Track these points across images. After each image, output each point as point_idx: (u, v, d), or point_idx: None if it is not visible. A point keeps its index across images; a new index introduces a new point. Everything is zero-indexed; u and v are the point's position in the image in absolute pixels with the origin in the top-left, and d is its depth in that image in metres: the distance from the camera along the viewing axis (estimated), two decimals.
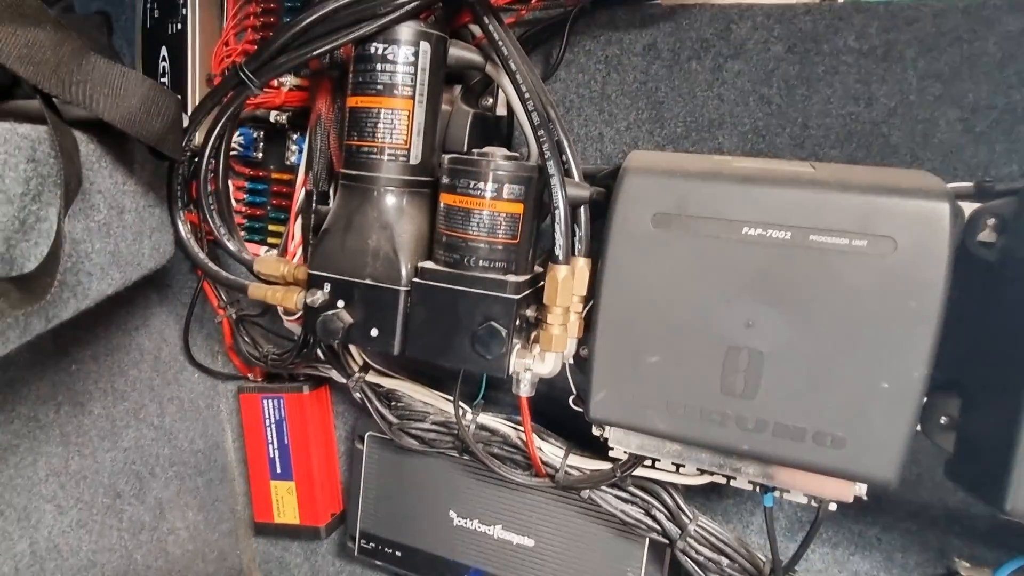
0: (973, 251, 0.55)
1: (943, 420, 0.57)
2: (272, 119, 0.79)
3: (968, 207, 0.55)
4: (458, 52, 0.60)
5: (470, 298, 0.55)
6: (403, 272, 0.57)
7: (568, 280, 0.54)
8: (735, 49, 0.63)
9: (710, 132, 0.65)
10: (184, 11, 0.82)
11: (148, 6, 0.83)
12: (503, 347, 0.54)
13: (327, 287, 0.60)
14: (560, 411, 0.65)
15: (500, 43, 0.57)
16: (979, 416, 0.54)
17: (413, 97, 0.58)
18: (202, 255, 0.70)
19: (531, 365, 0.56)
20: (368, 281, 0.58)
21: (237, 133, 0.83)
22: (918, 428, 0.57)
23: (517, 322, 0.55)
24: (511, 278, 0.54)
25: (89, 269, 0.53)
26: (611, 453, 0.63)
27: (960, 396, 0.56)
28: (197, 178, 0.66)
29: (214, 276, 0.69)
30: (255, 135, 0.84)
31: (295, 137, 0.82)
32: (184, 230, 0.70)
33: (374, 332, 0.58)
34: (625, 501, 0.70)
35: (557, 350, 0.55)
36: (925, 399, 0.57)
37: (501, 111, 0.70)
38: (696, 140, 0.66)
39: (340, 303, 0.59)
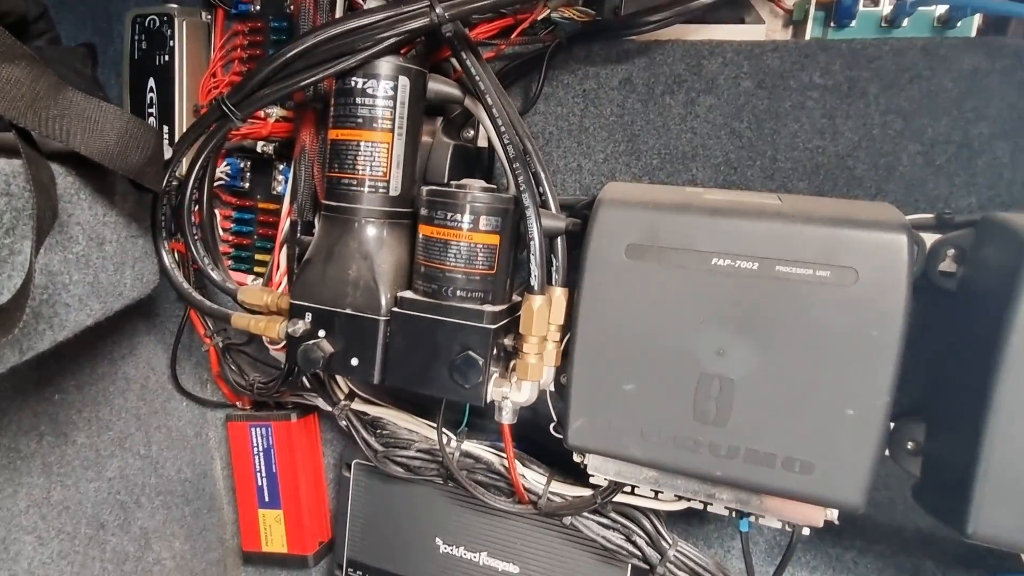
0: (935, 281, 0.57)
1: (910, 445, 0.58)
2: (259, 149, 0.81)
3: (929, 238, 0.57)
4: (437, 86, 0.62)
5: (448, 328, 0.56)
6: (383, 302, 0.58)
7: (543, 310, 0.55)
8: (707, 84, 0.65)
9: (684, 164, 0.67)
10: (171, 43, 0.83)
11: (136, 38, 0.85)
12: (480, 376, 0.55)
13: (308, 317, 0.61)
14: (543, 437, 0.66)
15: (477, 78, 0.59)
16: (942, 441, 0.55)
17: (392, 130, 0.59)
18: (185, 285, 0.71)
19: (508, 393, 0.57)
20: (348, 311, 0.59)
21: (224, 163, 0.84)
22: (886, 453, 0.59)
23: (495, 351, 0.56)
24: (488, 308, 0.56)
25: (67, 300, 0.53)
26: (592, 480, 0.64)
27: (925, 422, 0.57)
28: (181, 208, 0.67)
29: (198, 306, 0.70)
30: (242, 165, 0.86)
31: (281, 167, 0.83)
32: (168, 260, 0.71)
33: (354, 361, 0.59)
34: (606, 527, 0.71)
35: (533, 379, 0.56)
36: (892, 424, 0.59)
37: (482, 143, 0.72)
38: (671, 172, 0.67)
39: (321, 332, 0.60)
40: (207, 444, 1.01)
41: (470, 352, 0.55)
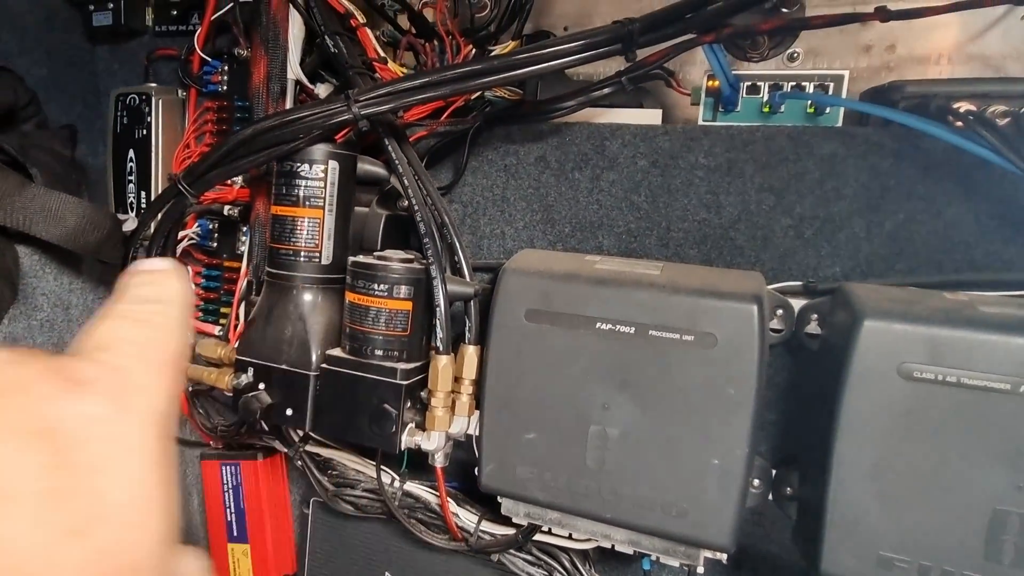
0: (803, 342, 0.64)
1: (788, 491, 0.64)
2: (226, 212, 0.89)
3: (797, 303, 0.64)
4: (365, 167, 0.70)
5: (367, 383, 0.63)
6: (313, 359, 0.66)
7: (447, 368, 0.62)
8: (609, 162, 0.73)
9: (592, 232, 0.75)
10: (149, 118, 0.93)
11: (118, 114, 0.95)
12: (394, 426, 0.62)
13: (250, 371, 0.68)
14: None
15: (396, 162, 0.67)
16: (806, 487, 0.61)
17: (324, 207, 0.67)
18: None
19: (420, 442, 0.64)
20: (284, 366, 0.67)
21: (195, 224, 0.93)
22: (770, 498, 0.65)
23: (409, 403, 0.64)
24: (402, 366, 0.63)
25: None
26: (514, 520, 0.70)
27: (798, 470, 0.64)
28: None
29: None
30: (211, 226, 0.94)
31: (244, 229, 0.92)
32: None
33: (289, 411, 0.67)
34: (532, 564, 0.77)
35: (440, 429, 0.63)
36: (775, 472, 0.65)
37: None
38: (581, 239, 0.75)
39: (261, 385, 0.68)
40: (184, 481, 1.08)
41: (385, 405, 0.62)
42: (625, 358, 0.60)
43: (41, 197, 0.54)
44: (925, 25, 0.75)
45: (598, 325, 0.60)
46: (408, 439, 0.63)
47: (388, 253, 0.66)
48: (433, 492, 0.82)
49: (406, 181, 0.66)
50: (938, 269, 0.63)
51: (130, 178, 0.94)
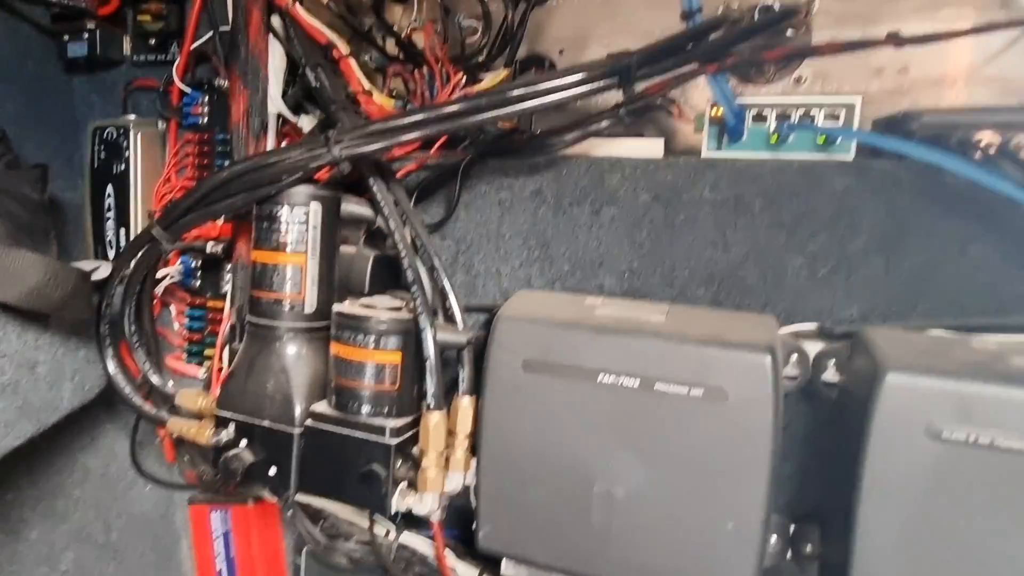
0: (819, 390, 0.59)
1: (808, 548, 0.60)
2: (208, 249, 0.85)
3: (813, 347, 0.60)
4: (350, 207, 0.66)
5: (354, 442, 0.59)
6: (297, 415, 0.62)
7: (440, 426, 0.58)
8: (609, 196, 0.69)
9: (593, 271, 0.71)
10: (127, 152, 0.89)
11: (95, 148, 0.91)
12: (383, 488, 0.58)
13: (231, 427, 0.64)
14: None
15: (382, 203, 0.63)
16: (829, 547, 0.57)
17: (306, 252, 0.63)
18: (127, 389, 0.75)
19: (412, 504, 0.59)
20: (267, 423, 0.63)
21: (178, 262, 0.89)
22: (788, 557, 0.61)
23: (399, 463, 0.59)
24: (391, 423, 0.59)
25: None
26: (503, 572, 0.66)
27: (819, 526, 0.59)
28: (120, 324, 0.71)
29: (137, 410, 0.74)
30: (193, 264, 0.90)
31: (228, 267, 0.88)
32: (112, 366, 0.75)
33: (272, 471, 0.63)
34: None
35: (432, 490, 0.59)
36: (792, 527, 0.61)
37: None
38: (581, 278, 0.71)
39: (243, 442, 0.64)
40: (173, 526, 1.04)
41: (373, 466, 0.58)
42: (629, 413, 0.56)
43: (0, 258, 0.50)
44: (939, 46, 0.71)
45: (600, 378, 0.56)
46: (399, 501, 0.59)
47: (375, 300, 0.62)
48: (431, 543, 0.77)
49: (392, 224, 0.62)
50: (962, 311, 0.59)
51: (108, 215, 0.91)
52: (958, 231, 0.59)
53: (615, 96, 0.69)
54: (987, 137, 0.57)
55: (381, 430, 0.59)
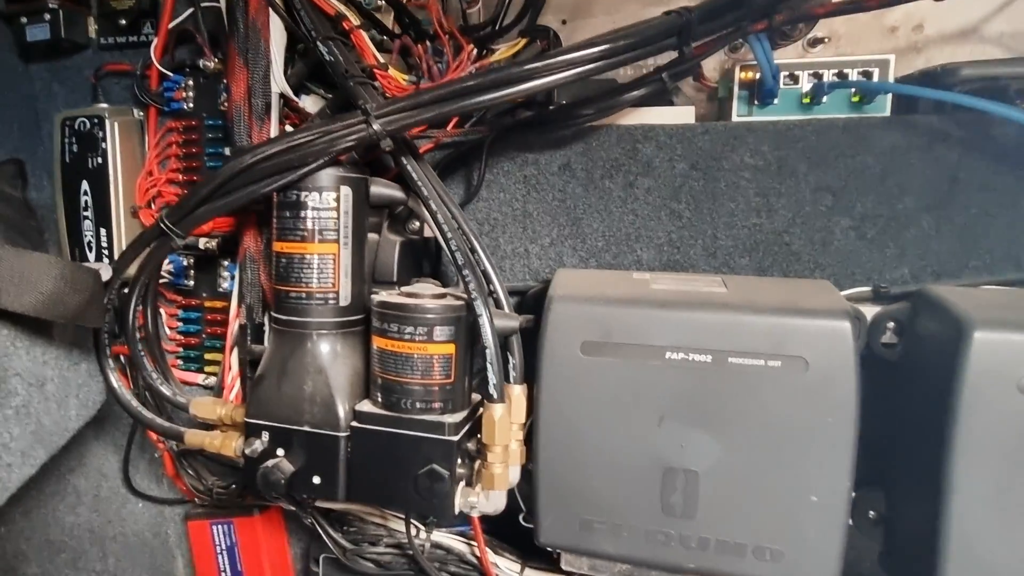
0: (879, 353, 0.58)
1: (871, 514, 0.59)
2: (202, 246, 0.79)
3: (868, 310, 0.59)
4: (380, 190, 0.62)
5: (410, 441, 0.55)
6: (341, 417, 0.57)
7: (505, 418, 0.55)
8: (643, 167, 0.66)
9: (628, 245, 0.68)
10: (104, 144, 0.81)
11: (66, 141, 0.82)
12: (447, 489, 0.54)
13: (265, 436, 0.59)
14: (514, 520, 0.65)
15: (420, 184, 0.59)
16: (902, 512, 0.56)
17: (338, 240, 0.59)
18: (134, 404, 0.68)
19: (477, 504, 0.56)
20: (307, 428, 0.58)
21: (167, 261, 0.82)
22: (850, 522, 0.60)
23: (459, 460, 0.56)
24: (448, 419, 0.55)
25: (8, 460, 0.51)
26: (564, 567, 0.64)
27: (884, 491, 0.59)
28: (125, 330, 0.65)
29: (150, 425, 0.68)
30: (185, 262, 0.83)
31: (226, 263, 0.82)
32: (114, 380, 0.68)
33: (316, 479, 0.58)
34: None
35: (500, 488, 0.55)
36: (854, 494, 0.60)
37: (429, 233, 0.72)
38: (616, 253, 0.68)
39: (280, 451, 0.59)
40: (167, 543, 0.97)
41: (434, 466, 0.54)
42: (702, 390, 0.53)
43: (8, 259, 0.43)
44: (953, 1, 0.71)
45: (668, 355, 0.54)
46: (462, 501, 0.55)
47: (417, 289, 0.58)
48: (464, 541, 0.74)
49: (433, 205, 0.57)
50: (1016, 265, 0.59)
51: (86, 214, 0.83)
52: (1009, 184, 0.59)
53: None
54: None
55: (440, 427, 0.55)
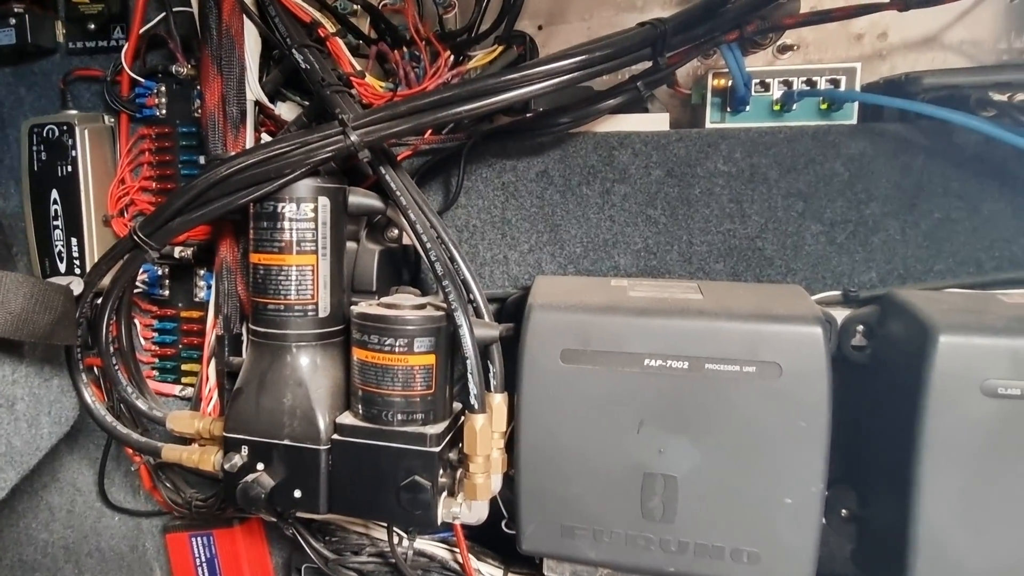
0: (848, 355, 0.60)
1: (844, 513, 0.61)
2: (177, 255, 0.78)
3: (838, 314, 0.61)
4: (358, 200, 0.62)
5: (391, 453, 0.55)
6: (322, 430, 0.57)
7: (486, 428, 0.55)
8: (620, 174, 0.67)
9: (606, 251, 0.69)
10: (74, 152, 0.80)
11: (34, 148, 0.81)
12: (429, 500, 0.55)
13: (244, 450, 0.59)
14: (496, 526, 0.65)
15: (399, 193, 0.59)
16: (873, 508, 0.58)
17: (316, 251, 0.58)
18: (109, 419, 0.67)
19: (459, 514, 0.56)
20: (287, 442, 0.58)
21: (141, 270, 0.81)
22: (823, 521, 0.61)
23: (441, 470, 0.56)
24: (430, 430, 0.55)
25: None
26: (546, 572, 0.64)
27: (855, 490, 0.60)
28: (99, 345, 0.64)
29: (125, 441, 0.67)
30: (160, 272, 0.82)
31: (202, 273, 0.81)
32: (88, 395, 0.67)
33: (297, 493, 0.58)
34: None
35: (483, 498, 0.56)
36: (826, 493, 0.62)
37: (407, 240, 0.72)
38: (594, 260, 0.69)
39: (260, 466, 0.58)
40: (144, 556, 0.96)
41: (416, 477, 0.54)
42: (679, 396, 0.54)
43: None
44: (916, 11, 0.73)
45: (646, 362, 0.55)
46: (445, 512, 0.56)
47: (397, 299, 0.58)
48: (447, 548, 0.74)
49: (412, 215, 0.58)
50: (978, 268, 0.61)
51: (56, 223, 0.81)
52: (970, 190, 0.61)
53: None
54: (996, 95, 0.58)
55: (421, 438, 0.55)
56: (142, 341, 0.84)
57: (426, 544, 0.74)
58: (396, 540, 0.73)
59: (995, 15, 0.72)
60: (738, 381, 0.53)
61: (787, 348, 0.52)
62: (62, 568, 0.80)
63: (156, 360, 0.84)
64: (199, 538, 0.91)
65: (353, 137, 0.53)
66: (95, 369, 0.74)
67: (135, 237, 0.60)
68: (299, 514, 0.77)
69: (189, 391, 0.82)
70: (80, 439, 0.88)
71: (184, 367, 0.82)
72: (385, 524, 0.74)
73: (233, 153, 0.60)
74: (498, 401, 0.58)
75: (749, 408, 0.53)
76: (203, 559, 0.91)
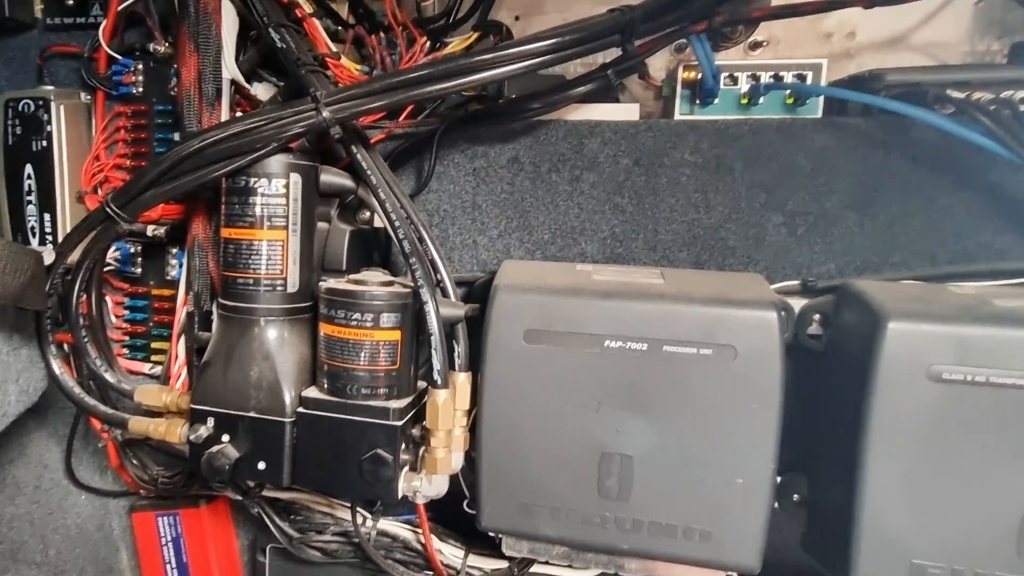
0: (804, 343, 0.62)
1: (795, 497, 0.62)
2: (149, 233, 0.78)
3: (796, 303, 0.62)
4: (329, 178, 0.62)
5: (355, 427, 0.56)
6: (287, 403, 0.58)
7: (448, 404, 0.56)
8: (589, 162, 0.69)
9: (573, 238, 0.70)
10: (49, 127, 0.80)
11: (8, 123, 0.81)
12: (391, 473, 0.55)
13: (211, 421, 0.59)
14: (459, 508, 0.66)
15: (369, 172, 0.59)
16: (823, 493, 0.60)
17: (287, 227, 0.59)
18: (77, 390, 0.68)
19: (420, 488, 0.57)
20: (252, 414, 0.58)
21: (113, 248, 0.81)
22: (775, 506, 0.63)
23: (403, 445, 0.57)
24: (393, 404, 0.56)
25: None
26: (505, 551, 0.65)
27: (807, 475, 0.62)
28: (68, 316, 0.64)
29: (92, 412, 0.67)
30: (132, 250, 0.82)
31: (174, 251, 0.81)
32: (57, 366, 0.67)
33: (261, 465, 0.58)
34: None
35: (443, 472, 0.57)
36: (779, 478, 0.63)
37: (379, 223, 0.73)
38: (562, 246, 0.70)
39: (225, 437, 0.59)
40: (111, 536, 0.96)
41: (378, 451, 0.55)
42: (638, 377, 0.55)
43: None
44: (883, 11, 0.75)
45: (606, 343, 0.56)
46: (406, 486, 0.57)
47: (364, 276, 0.59)
48: (410, 528, 0.75)
49: (382, 194, 0.58)
50: (932, 261, 0.63)
51: (29, 198, 0.81)
52: (927, 184, 0.62)
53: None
54: (954, 92, 0.60)
55: (385, 412, 0.56)
56: (113, 319, 0.84)
57: (389, 524, 0.75)
58: (360, 520, 0.74)
59: (960, 18, 0.74)
60: (695, 363, 0.54)
61: (742, 331, 0.53)
62: (27, 542, 0.79)
63: (127, 338, 0.84)
64: (165, 517, 0.91)
65: (325, 113, 0.54)
66: (65, 346, 0.74)
67: (107, 209, 0.61)
68: (264, 492, 0.78)
69: (159, 369, 0.82)
70: (49, 416, 0.88)
71: (155, 345, 0.82)
72: (349, 504, 0.74)
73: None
74: (462, 380, 0.59)
75: (705, 390, 0.54)
76: (169, 538, 0.91)
